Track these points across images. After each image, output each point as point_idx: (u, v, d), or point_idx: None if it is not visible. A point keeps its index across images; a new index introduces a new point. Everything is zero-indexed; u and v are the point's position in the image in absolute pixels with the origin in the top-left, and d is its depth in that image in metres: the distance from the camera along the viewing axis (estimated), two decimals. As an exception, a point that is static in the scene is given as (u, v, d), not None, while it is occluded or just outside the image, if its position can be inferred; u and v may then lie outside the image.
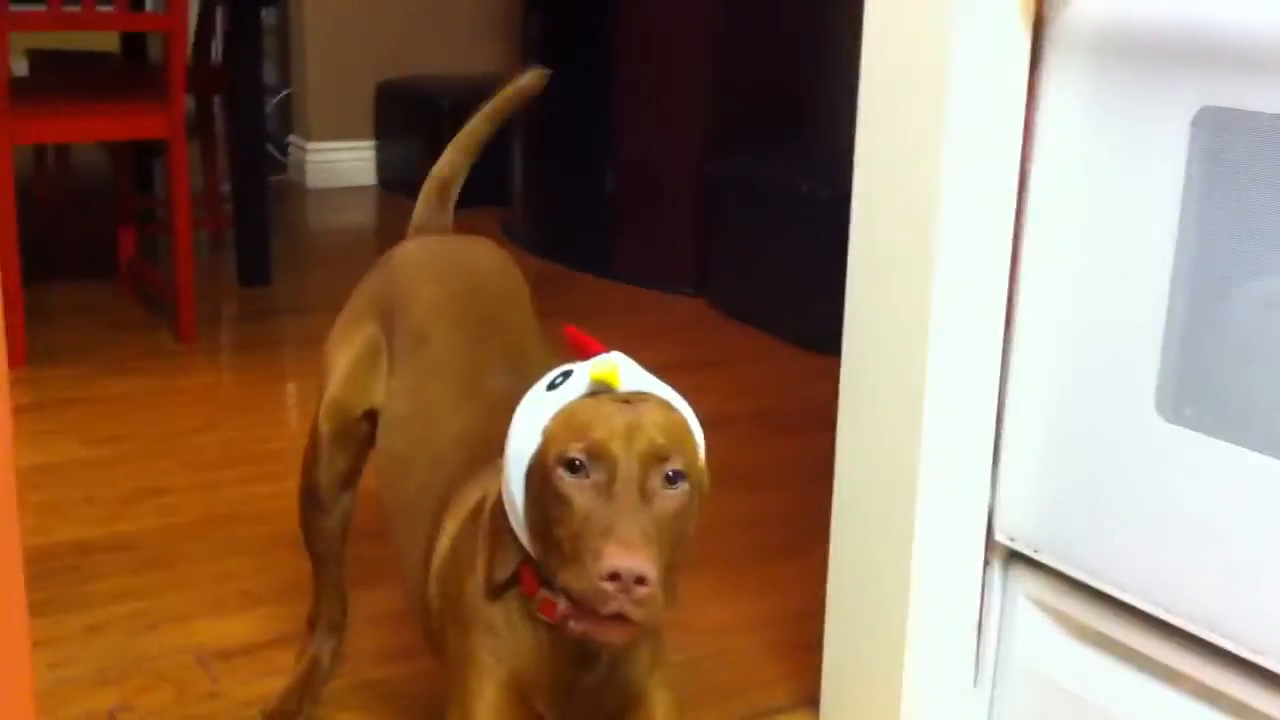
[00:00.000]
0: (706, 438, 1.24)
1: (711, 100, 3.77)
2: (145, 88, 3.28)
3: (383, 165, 5.11)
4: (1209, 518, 1.37)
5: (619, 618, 1.09)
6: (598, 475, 1.13)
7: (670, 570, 1.15)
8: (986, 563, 1.61)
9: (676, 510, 1.15)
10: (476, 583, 1.27)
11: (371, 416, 1.61)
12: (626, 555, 1.07)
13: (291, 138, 5.19)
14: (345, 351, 1.64)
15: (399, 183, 4.92)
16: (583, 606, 1.11)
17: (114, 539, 2.20)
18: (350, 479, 1.68)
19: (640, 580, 1.07)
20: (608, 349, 1.22)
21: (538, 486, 1.17)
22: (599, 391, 1.18)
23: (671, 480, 1.15)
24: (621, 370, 1.18)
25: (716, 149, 3.73)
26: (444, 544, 1.35)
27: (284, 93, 5.26)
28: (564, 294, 3.78)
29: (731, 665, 1.92)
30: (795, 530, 2.30)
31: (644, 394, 1.19)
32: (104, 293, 3.62)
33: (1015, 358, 1.55)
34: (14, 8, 3.02)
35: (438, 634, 1.38)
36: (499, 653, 1.27)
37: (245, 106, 3.62)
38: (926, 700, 1.63)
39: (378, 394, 1.59)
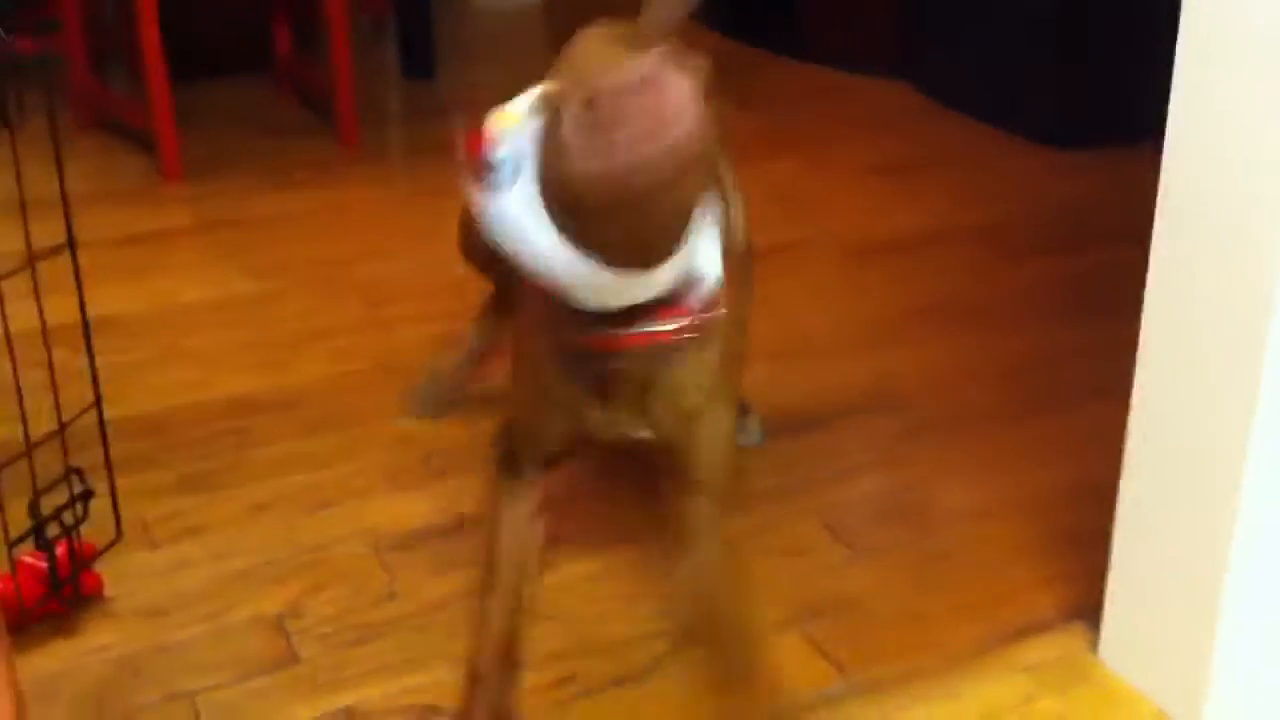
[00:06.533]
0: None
1: None
2: None
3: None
4: None
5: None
6: None
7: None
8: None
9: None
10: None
11: None
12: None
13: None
14: None
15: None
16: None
17: (280, 394, 1.99)
18: None
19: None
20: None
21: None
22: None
23: None
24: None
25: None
26: None
27: None
28: (751, 80, 3.40)
29: (981, 565, 1.60)
30: (1047, 380, 1.98)
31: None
32: (260, 92, 3.37)
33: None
34: None
35: None
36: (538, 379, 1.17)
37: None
38: (1250, 643, 1.32)
39: None
